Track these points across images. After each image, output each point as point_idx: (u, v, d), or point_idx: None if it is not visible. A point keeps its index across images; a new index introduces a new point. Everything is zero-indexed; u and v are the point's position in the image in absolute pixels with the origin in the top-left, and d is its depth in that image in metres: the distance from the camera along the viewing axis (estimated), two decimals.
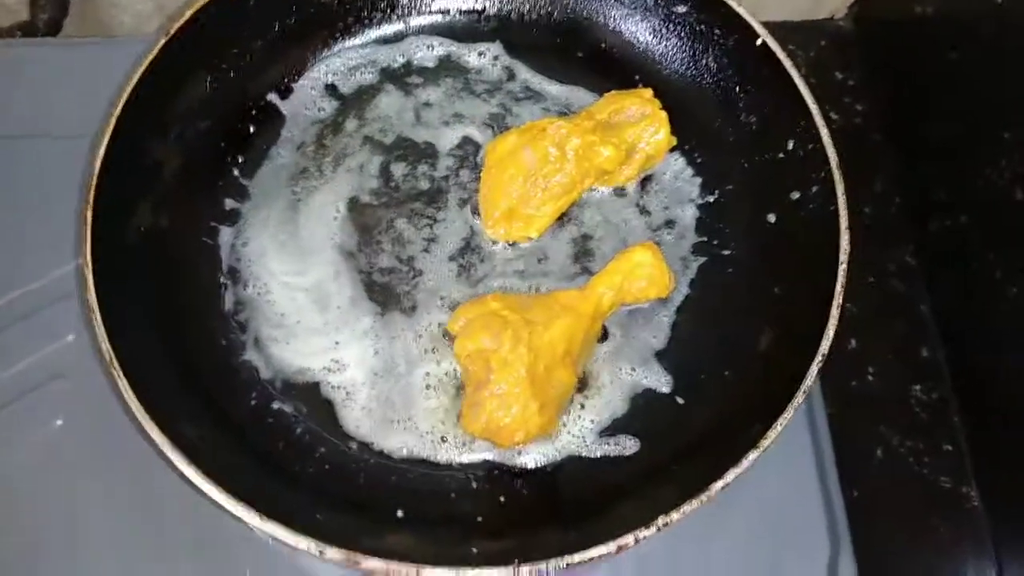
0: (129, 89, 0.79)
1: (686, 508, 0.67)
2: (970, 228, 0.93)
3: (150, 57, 0.80)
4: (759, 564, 0.82)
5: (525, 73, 0.93)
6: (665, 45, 0.92)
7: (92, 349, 0.85)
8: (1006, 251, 0.87)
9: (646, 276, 0.81)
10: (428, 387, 0.80)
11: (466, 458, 0.78)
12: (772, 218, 0.84)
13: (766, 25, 0.85)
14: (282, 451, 0.77)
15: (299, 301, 0.83)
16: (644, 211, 0.88)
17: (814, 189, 0.80)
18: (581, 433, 0.79)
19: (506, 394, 0.74)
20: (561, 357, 0.77)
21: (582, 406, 0.80)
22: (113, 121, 0.78)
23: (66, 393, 0.85)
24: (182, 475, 0.68)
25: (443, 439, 0.78)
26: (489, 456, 0.78)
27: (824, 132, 0.80)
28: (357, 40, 0.94)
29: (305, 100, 0.90)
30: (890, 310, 0.99)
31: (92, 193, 0.75)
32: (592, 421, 0.79)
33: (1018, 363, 0.85)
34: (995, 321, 0.89)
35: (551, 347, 0.76)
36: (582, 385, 0.80)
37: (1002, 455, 0.89)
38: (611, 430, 0.79)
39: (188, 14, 0.82)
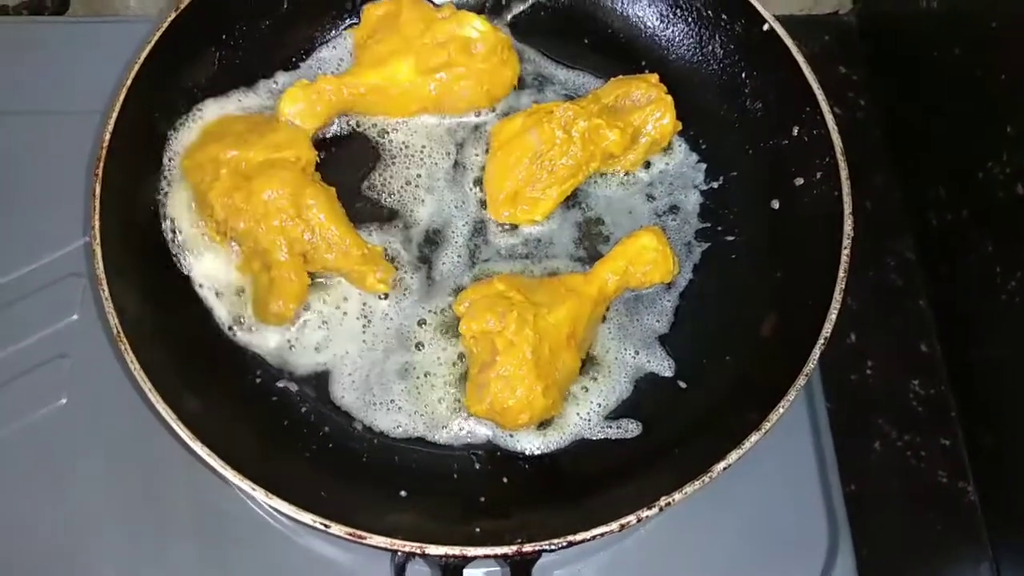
0: (139, 64, 0.79)
1: (688, 488, 0.67)
2: (970, 223, 0.93)
3: (160, 32, 0.81)
4: (759, 555, 0.82)
5: (533, 56, 0.93)
6: (672, 30, 0.92)
7: (97, 328, 0.86)
8: (1006, 246, 0.87)
9: (650, 261, 0.81)
10: (426, 368, 0.80)
11: (469, 439, 0.78)
12: (776, 204, 0.84)
13: None
14: (287, 428, 0.77)
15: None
16: (649, 196, 0.88)
17: (818, 175, 0.81)
18: (587, 415, 0.79)
19: (511, 376, 0.74)
20: (566, 340, 0.77)
21: (586, 389, 0.80)
22: (123, 95, 0.78)
23: (70, 371, 0.85)
24: (189, 449, 0.68)
25: (443, 419, 0.79)
26: (492, 437, 0.78)
27: (829, 118, 0.80)
28: None
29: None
30: (889, 304, 1.00)
31: (101, 167, 0.75)
32: (599, 404, 0.80)
33: (1016, 359, 0.86)
34: (994, 316, 0.89)
35: (556, 330, 0.76)
36: (587, 368, 0.81)
37: (999, 451, 0.89)
38: (615, 413, 0.80)
39: None
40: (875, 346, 0.97)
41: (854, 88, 1.10)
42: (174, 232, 0.82)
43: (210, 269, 0.81)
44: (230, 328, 0.80)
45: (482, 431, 0.78)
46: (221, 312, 0.81)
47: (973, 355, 0.93)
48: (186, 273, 0.81)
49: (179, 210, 0.82)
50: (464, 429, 0.78)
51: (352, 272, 0.81)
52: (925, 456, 0.92)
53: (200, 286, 0.81)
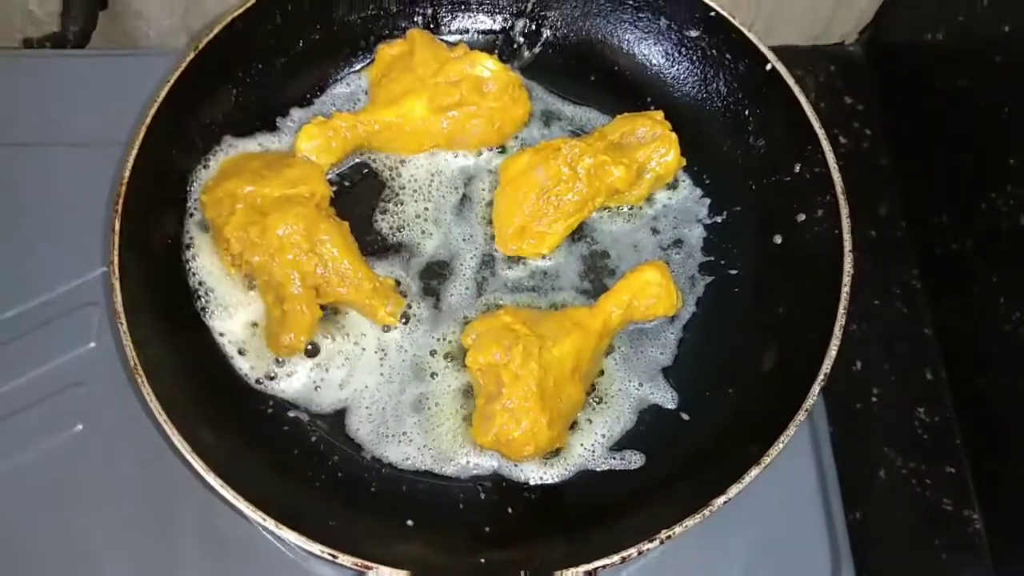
0: (159, 101, 0.81)
1: (688, 522, 0.68)
2: (974, 252, 0.94)
3: (179, 70, 0.82)
4: None
5: (540, 93, 0.95)
6: (677, 68, 0.94)
7: (113, 357, 0.87)
8: (1010, 276, 0.88)
9: (654, 295, 0.82)
10: (437, 399, 0.82)
11: (476, 470, 0.79)
12: (778, 239, 0.85)
13: (776, 49, 0.87)
14: (297, 458, 0.79)
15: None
16: (654, 230, 0.89)
17: (819, 212, 0.82)
18: (592, 447, 0.80)
19: (517, 408, 0.75)
20: (570, 373, 0.78)
21: (590, 420, 0.81)
22: (143, 132, 0.80)
23: (86, 399, 0.86)
24: (202, 479, 0.69)
25: (451, 452, 0.80)
26: (498, 467, 0.79)
27: (830, 156, 0.81)
28: None
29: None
30: (894, 332, 1.00)
31: (121, 202, 0.77)
32: (603, 436, 0.80)
33: (1022, 386, 0.86)
34: (998, 344, 0.90)
35: (561, 363, 0.78)
36: (591, 399, 0.82)
37: (1004, 478, 0.90)
38: (618, 445, 0.80)
39: (216, 29, 0.85)
40: (880, 373, 0.98)
41: (859, 118, 1.11)
42: (201, 285, 0.84)
43: (235, 326, 0.83)
44: (258, 381, 0.81)
45: (488, 462, 0.79)
46: (244, 365, 0.82)
47: (978, 383, 0.94)
48: (211, 326, 0.83)
49: (206, 265, 0.84)
50: (471, 461, 0.79)
51: (364, 305, 0.82)
52: (930, 484, 0.93)
53: (221, 335, 0.82)
